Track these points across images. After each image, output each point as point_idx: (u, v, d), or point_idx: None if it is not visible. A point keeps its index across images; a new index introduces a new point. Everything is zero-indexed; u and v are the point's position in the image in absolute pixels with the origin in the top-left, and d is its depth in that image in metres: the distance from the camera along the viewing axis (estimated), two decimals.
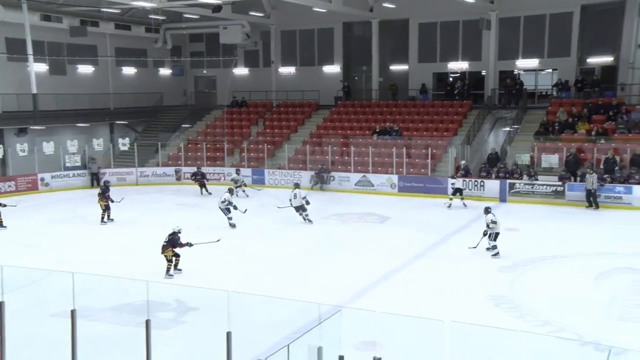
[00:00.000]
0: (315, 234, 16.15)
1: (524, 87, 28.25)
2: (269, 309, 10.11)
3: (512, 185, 21.94)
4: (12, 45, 27.24)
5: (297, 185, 18.43)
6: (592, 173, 20.24)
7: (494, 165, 23.47)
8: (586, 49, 27.42)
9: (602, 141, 22.74)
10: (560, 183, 21.28)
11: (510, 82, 28.34)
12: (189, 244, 12.88)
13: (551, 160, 22.80)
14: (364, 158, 25.49)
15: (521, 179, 22.11)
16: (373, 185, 24.35)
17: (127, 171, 27.43)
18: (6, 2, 25.79)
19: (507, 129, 26.51)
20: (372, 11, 30.12)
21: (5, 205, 17.62)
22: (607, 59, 27.11)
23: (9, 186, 23.94)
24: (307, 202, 17.64)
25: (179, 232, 12.89)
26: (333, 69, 32.36)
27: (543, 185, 21.52)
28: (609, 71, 27.12)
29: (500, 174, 22.64)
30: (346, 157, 25.77)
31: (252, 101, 32.78)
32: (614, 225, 17.38)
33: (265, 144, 27.98)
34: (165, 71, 35.73)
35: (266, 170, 26.67)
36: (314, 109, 31.30)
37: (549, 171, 22.51)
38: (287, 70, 33.41)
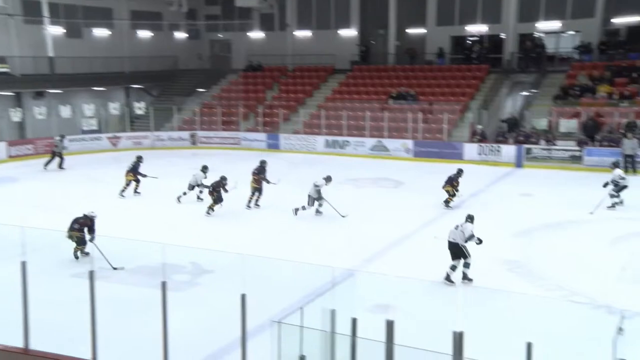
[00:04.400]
0: (329, 199, 16.18)
1: (545, 49, 27.65)
2: (283, 272, 10.26)
3: (528, 150, 21.73)
4: (28, 8, 27.21)
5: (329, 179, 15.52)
6: (631, 138, 19.84)
7: (511, 130, 23.21)
8: (612, 8, 26.45)
9: (625, 104, 22.29)
10: (578, 148, 21.02)
11: (530, 45, 27.75)
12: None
13: (570, 124, 22.48)
14: (379, 123, 25.35)
15: (538, 144, 21.87)
16: (388, 150, 24.28)
17: (143, 135, 27.60)
18: None
19: (526, 93, 26.11)
20: None
21: (145, 176, 17.25)
22: (635, 19, 26.13)
23: (28, 149, 24.25)
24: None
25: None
26: (349, 32, 31.93)
27: (560, 150, 21.29)
28: (636, 31, 26.26)
29: (520, 138, 22.39)
30: (361, 122, 25.63)
31: (267, 65, 32.55)
32: (633, 190, 17.17)
33: (281, 109, 27.90)
34: (180, 35, 35.50)
35: (281, 135, 26.66)
36: (330, 73, 31.03)
37: (567, 136, 22.23)
38: (303, 34, 33.04)
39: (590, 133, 21.48)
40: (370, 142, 24.78)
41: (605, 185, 15.07)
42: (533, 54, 27.39)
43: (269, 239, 13.06)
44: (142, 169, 17.55)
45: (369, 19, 32.28)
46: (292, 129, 27.27)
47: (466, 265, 10.03)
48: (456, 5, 29.65)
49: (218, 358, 7.77)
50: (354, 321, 5.57)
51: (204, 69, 35.07)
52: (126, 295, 9.73)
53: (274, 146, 26.39)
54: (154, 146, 27.13)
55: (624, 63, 24.41)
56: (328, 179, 14.89)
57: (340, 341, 5.63)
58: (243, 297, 5.83)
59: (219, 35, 36.17)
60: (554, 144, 21.59)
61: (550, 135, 21.98)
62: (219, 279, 10.47)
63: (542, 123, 23.05)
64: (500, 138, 22.89)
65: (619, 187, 14.79)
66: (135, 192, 17.39)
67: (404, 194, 17.65)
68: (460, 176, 15.77)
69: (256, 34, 34.34)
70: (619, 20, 26.56)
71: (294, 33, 33.27)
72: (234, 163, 21.74)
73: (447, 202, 15.54)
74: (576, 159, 20.88)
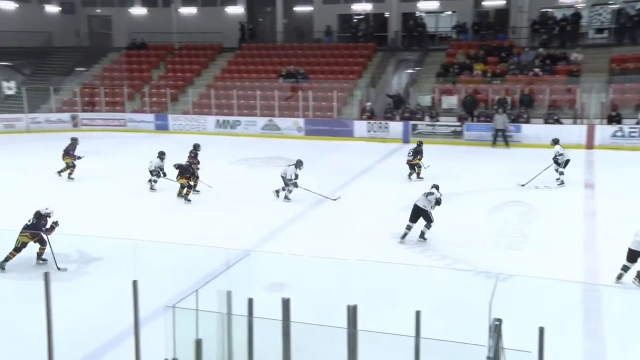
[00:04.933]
0: (221, 179, 15.98)
1: (426, 29, 28.86)
2: (177, 256, 10.03)
3: (414, 127, 22.68)
4: None
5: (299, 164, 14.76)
6: (502, 113, 21.21)
7: (397, 107, 24.08)
8: None
9: (497, 82, 23.83)
10: (459, 123, 22.24)
11: (412, 25, 28.83)
12: None
13: (451, 101, 23.70)
14: (269, 102, 25.29)
15: (423, 120, 22.88)
16: (280, 129, 24.34)
17: (15, 117, 25.65)
18: None
19: (410, 71, 27.15)
20: None
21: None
22: (501, 2, 28.11)
23: None
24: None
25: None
26: (236, 9, 31.44)
27: (443, 125, 22.41)
28: (502, 14, 28.20)
29: (406, 115, 23.28)
30: (252, 102, 25.44)
31: (152, 43, 31.31)
32: (505, 163, 18.50)
33: (168, 89, 27.02)
34: (52, 8, 33.09)
35: (169, 116, 25.88)
36: (218, 52, 30.45)
37: (449, 112, 23.44)
38: (188, 10, 32.07)
39: (469, 109, 22.80)
40: (262, 121, 24.70)
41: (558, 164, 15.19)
42: (416, 32, 28.49)
43: (162, 222, 12.72)
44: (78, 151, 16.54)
45: None
46: (181, 110, 26.56)
47: (427, 226, 11.21)
48: None
49: (110, 348, 7.50)
50: (250, 301, 5.60)
51: (82, 46, 33.08)
52: (7, 287, 9.10)
53: (162, 127, 25.58)
54: (29, 129, 25.35)
55: (494, 43, 26.10)
56: (298, 164, 14.27)
57: (237, 322, 5.63)
58: (134, 283, 5.66)
59: (97, 10, 34.18)
60: (438, 120, 22.69)
61: (434, 112, 23.07)
62: (108, 266, 10.05)
63: (426, 100, 24.12)
64: (388, 115, 23.68)
65: (559, 163, 15.05)
66: (69, 177, 16.31)
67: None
68: (421, 147, 16.41)
69: (138, 10, 32.85)
70: (488, 3, 28.39)
71: (178, 10, 32.18)
72: (122, 146, 20.81)
73: (418, 175, 16.20)
74: (457, 134, 22.10)
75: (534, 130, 21.13)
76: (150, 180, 15.32)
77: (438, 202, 11.27)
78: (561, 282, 8.49)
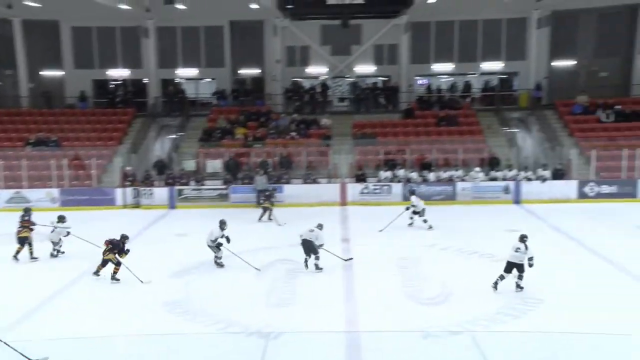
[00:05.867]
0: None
1: (186, 95, 29.26)
2: None
3: (180, 192, 22.45)
4: None
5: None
6: (262, 175, 22.06)
7: (161, 172, 23.66)
8: (238, 61, 29.86)
9: (258, 145, 24.99)
10: (224, 186, 22.64)
11: (172, 90, 28.98)
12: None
13: (215, 165, 24.08)
14: (16, 172, 22.85)
15: (189, 184, 22.80)
16: (30, 202, 21.99)
17: None
18: None
19: (173, 136, 27.04)
20: (11, 8, 26.90)
21: None
22: (256, 71, 30.01)
23: None
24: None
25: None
26: None
27: (209, 189, 22.59)
28: (258, 82, 30.04)
29: (169, 181, 22.95)
30: None
31: None
32: (271, 222, 19.22)
33: None
34: None
35: None
36: None
37: (214, 175, 23.74)
38: None
39: (233, 172, 23.42)
40: (6, 194, 22.12)
41: (407, 209, 17.85)
42: (176, 98, 28.67)
43: None
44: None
45: None
46: None
47: (317, 258, 13.40)
48: (94, 49, 29.11)
49: None
50: None
51: None
52: None
53: None
54: None
55: (253, 109, 27.55)
56: (222, 225, 14.08)
57: None
58: None
59: None
60: (203, 184, 22.81)
61: (199, 176, 23.16)
62: None
63: (190, 164, 24.13)
64: (152, 181, 23.09)
65: (422, 211, 17.55)
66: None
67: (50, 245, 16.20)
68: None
69: None
70: (245, 71, 30.05)
71: None
72: None
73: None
74: (223, 197, 22.43)
75: (295, 190, 22.49)
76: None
77: (322, 246, 13.41)
78: (325, 334, 9.00)
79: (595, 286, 12.07)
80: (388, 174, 22.74)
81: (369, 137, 25.26)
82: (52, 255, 15.02)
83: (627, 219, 18.09)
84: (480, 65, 29.22)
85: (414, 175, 22.62)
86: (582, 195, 21.83)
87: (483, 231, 17.42)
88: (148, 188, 22.51)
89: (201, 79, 30.65)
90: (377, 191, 22.25)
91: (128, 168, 23.29)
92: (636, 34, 27.64)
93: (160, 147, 26.96)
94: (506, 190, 22.03)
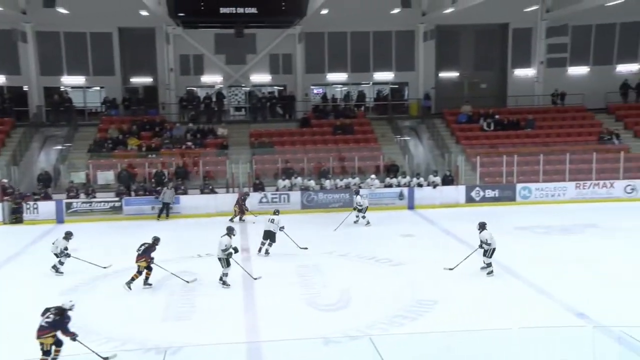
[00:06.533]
0: None
1: (73, 104, 27.80)
2: None
3: (69, 205, 21.24)
4: None
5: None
6: (171, 188, 21.36)
7: (47, 185, 22.29)
8: (129, 70, 28.89)
9: (153, 156, 24.22)
10: (117, 199, 21.69)
11: (57, 99, 27.43)
12: None
13: (107, 176, 23.07)
14: None
15: (78, 197, 21.62)
16: None
17: None
18: None
19: (59, 147, 25.55)
20: None
21: None
22: (148, 80, 29.16)
23: None
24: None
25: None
26: None
27: (101, 202, 21.55)
28: (151, 91, 29.18)
29: (55, 194, 21.65)
30: None
31: None
32: (169, 234, 18.64)
33: None
34: None
35: None
36: None
37: (106, 187, 22.69)
38: None
39: (126, 183, 22.50)
40: None
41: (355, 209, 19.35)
42: (62, 107, 27.17)
43: None
44: None
45: None
46: None
47: (270, 245, 15.50)
48: None
49: None
50: None
51: None
52: None
53: None
54: None
55: (145, 118, 26.69)
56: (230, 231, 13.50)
57: None
58: None
59: None
60: (94, 197, 21.69)
61: (90, 188, 22.00)
62: None
63: (80, 176, 22.93)
64: (37, 196, 21.65)
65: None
66: None
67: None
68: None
69: None
70: (136, 80, 29.12)
71: None
72: None
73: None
74: (117, 210, 21.48)
75: (192, 200, 21.99)
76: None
77: (282, 229, 15.61)
78: (225, 345, 8.89)
79: (483, 284, 12.87)
80: (286, 182, 22.85)
81: (266, 146, 25.29)
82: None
83: (507, 221, 19.31)
84: (373, 75, 30.23)
85: (312, 183, 22.90)
86: (470, 200, 23.12)
87: (380, 237, 17.94)
88: (32, 202, 21.10)
89: (89, 88, 29.27)
90: (275, 200, 22.27)
91: (5, 180, 21.74)
92: (507, 50, 30.00)
93: (45, 158, 25.40)
94: (401, 196, 22.87)
